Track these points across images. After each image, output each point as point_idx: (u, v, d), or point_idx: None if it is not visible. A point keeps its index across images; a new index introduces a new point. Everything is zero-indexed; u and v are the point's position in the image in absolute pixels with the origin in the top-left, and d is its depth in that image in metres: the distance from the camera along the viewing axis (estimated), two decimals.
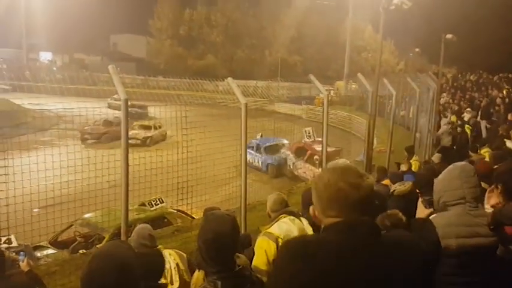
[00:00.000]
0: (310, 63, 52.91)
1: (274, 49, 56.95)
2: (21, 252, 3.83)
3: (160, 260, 2.81)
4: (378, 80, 9.45)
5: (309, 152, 15.80)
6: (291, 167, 15.87)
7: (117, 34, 65.84)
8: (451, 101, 21.43)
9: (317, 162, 15.10)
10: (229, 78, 6.11)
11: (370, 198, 1.37)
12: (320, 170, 15.03)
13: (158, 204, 8.31)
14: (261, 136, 15.87)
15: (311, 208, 1.45)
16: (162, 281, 3.03)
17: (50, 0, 51.75)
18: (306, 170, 15.42)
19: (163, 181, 7.32)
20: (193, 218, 8.43)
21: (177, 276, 3.19)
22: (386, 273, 1.32)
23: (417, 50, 46.08)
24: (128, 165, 4.76)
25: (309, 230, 2.95)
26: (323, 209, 1.39)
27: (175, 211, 8.67)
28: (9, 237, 6.87)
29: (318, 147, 15.49)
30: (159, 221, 7.88)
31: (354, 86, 36.06)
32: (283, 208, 3.03)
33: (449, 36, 20.09)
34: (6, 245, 6.74)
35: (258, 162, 15.79)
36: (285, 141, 16.23)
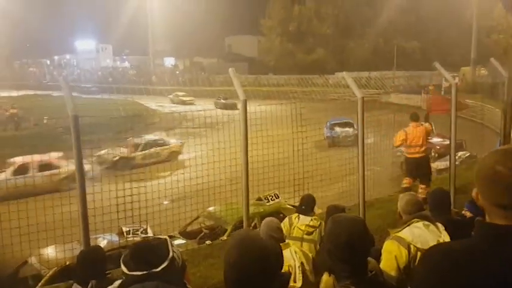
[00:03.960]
0: (431, 49, 48.90)
1: (389, 36, 53.99)
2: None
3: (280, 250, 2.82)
4: None
5: None
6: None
7: (231, 36, 69.25)
8: None
9: (433, 156, 14.08)
10: (344, 72, 5.95)
11: None
12: (436, 164, 14.19)
13: (274, 199, 8.48)
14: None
15: (474, 191, 1.35)
16: None
17: (171, 10, 56.31)
18: None
19: (278, 177, 7.48)
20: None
21: (301, 275, 3.19)
22: None
23: None
24: (248, 161, 4.93)
25: (446, 237, 2.69)
26: (483, 194, 1.28)
27: (290, 206, 8.77)
28: (145, 228, 7.70)
29: (436, 142, 14.32)
30: (275, 215, 8.04)
31: (482, 71, 32.38)
32: (417, 211, 2.79)
33: None
34: (143, 235, 7.57)
35: (324, 135, 18.91)
36: (351, 120, 18.76)
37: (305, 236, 4.55)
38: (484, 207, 1.31)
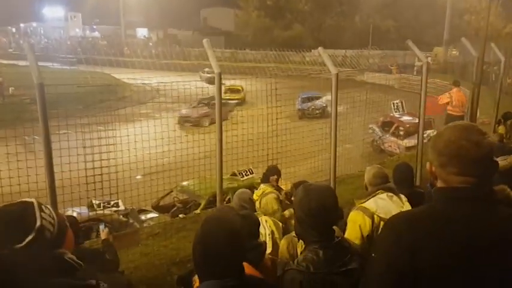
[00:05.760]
0: (406, 28, 49.30)
1: (365, 15, 54.09)
2: (102, 223, 4.19)
3: (257, 220, 2.91)
4: (485, 45, 8.51)
5: (395, 124, 15.19)
6: (378, 141, 15.48)
7: (207, 8, 67.55)
8: None
9: (402, 133, 14.67)
10: (320, 48, 5.92)
11: (490, 156, 1.39)
12: (404, 142, 14.73)
13: (248, 174, 8.52)
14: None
15: (428, 164, 1.48)
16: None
17: None
18: (392, 144, 14.91)
19: (253, 152, 7.52)
20: (282, 189, 8.56)
21: (271, 242, 3.33)
22: (494, 247, 1.26)
23: None
24: (222, 136, 4.93)
25: (408, 207, 2.80)
26: (442, 165, 1.40)
27: None
28: (117, 201, 7.63)
29: (406, 120, 14.79)
30: (249, 190, 8.12)
31: (454, 52, 33.13)
32: (383, 183, 2.90)
33: None
34: (114, 208, 7.51)
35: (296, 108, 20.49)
36: (320, 94, 20.25)
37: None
38: (440, 177, 1.41)
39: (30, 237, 1.33)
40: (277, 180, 5.21)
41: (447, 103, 9.96)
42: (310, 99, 22.01)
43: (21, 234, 1.33)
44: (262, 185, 5.06)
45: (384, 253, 1.35)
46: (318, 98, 21.66)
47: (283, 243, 2.43)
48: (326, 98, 20.64)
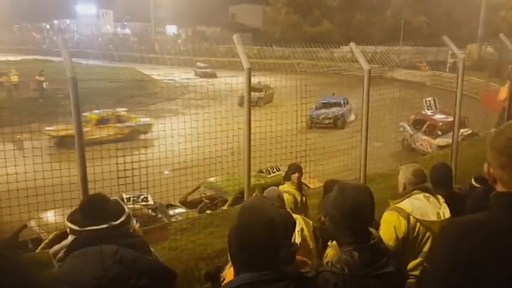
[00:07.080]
0: (438, 24, 47.93)
1: (396, 10, 52.91)
2: (133, 218, 4.21)
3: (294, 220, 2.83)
4: None
5: (427, 122, 14.72)
6: (408, 140, 15.04)
7: (235, 5, 67.72)
8: None
9: (439, 133, 14.15)
10: (351, 44, 5.80)
11: None
12: (437, 141, 14.22)
13: (275, 172, 8.49)
14: (333, 95, 19.06)
15: (485, 165, 1.36)
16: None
17: None
18: (423, 142, 14.45)
19: (280, 150, 7.47)
20: (309, 187, 8.46)
21: (300, 239, 3.23)
22: None
23: None
24: (250, 133, 4.90)
25: (445, 209, 2.68)
26: (502, 166, 1.29)
27: None
28: (146, 196, 7.75)
29: (439, 118, 14.31)
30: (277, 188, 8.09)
31: (489, 49, 31.91)
32: (422, 182, 2.77)
33: None
34: (144, 203, 7.64)
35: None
36: (341, 100, 18.82)
37: None
38: (500, 180, 1.30)
39: (123, 218, 1.58)
40: (299, 178, 5.12)
41: (505, 97, 10.34)
42: (328, 105, 19.00)
43: (117, 214, 1.57)
44: (282, 185, 5.00)
45: (438, 266, 1.27)
46: (336, 104, 19.10)
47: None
48: (349, 105, 19.01)
